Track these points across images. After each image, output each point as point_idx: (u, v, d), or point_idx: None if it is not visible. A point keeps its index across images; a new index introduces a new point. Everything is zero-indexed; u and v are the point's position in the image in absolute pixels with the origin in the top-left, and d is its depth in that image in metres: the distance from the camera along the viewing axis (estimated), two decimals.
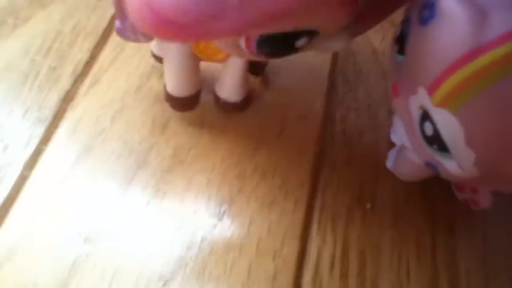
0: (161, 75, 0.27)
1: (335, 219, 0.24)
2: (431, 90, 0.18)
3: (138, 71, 0.28)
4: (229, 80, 0.25)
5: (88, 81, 0.28)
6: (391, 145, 0.26)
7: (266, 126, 0.27)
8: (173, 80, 0.24)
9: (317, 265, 0.22)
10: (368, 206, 0.24)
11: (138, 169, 0.25)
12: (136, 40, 0.22)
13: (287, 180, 0.25)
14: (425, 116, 0.19)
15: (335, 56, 0.30)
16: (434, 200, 0.25)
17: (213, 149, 0.26)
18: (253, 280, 0.22)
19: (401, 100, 0.21)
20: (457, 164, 0.19)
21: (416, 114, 0.19)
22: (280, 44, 0.18)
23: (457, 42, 0.17)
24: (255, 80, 0.28)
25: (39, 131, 0.25)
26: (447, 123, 0.18)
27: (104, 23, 0.30)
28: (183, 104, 0.26)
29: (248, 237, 0.23)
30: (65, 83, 0.27)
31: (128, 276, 0.21)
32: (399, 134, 0.23)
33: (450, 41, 0.17)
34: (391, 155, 0.25)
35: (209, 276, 0.22)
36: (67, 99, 0.27)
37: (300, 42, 0.18)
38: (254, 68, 0.27)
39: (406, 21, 0.20)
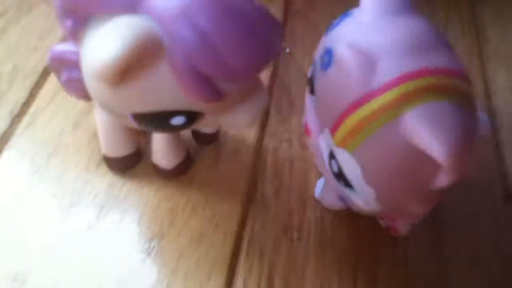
0: None
1: (263, 250, 0.25)
2: (333, 131, 0.19)
3: (76, 109, 0.29)
4: (157, 147, 0.25)
5: (26, 120, 0.28)
6: (320, 174, 0.27)
7: (200, 158, 0.28)
8: (104, 141, 0.25)
9: None
10: (296, 235, 0.25)
11: (72, 206, 0.25)
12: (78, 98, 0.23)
13: (218, 213, 0.26)
14: (331, 155, 0.20)
15: (269, 88, 0.32)
16: (359, 228, 0.26)
17: (147, 182, 0.26)
18: None
19: (313, 138, 0.22)
20: (363, 199, 0.20)
21: (325, 152, 0.21)
22: (154, 121, 0.19)
23: (350, 88, 0.18)
24: None
25: None
26: (348, 163, 0.19)
27: (43, 63, 0.31)
28: (119, 164, 0.26)
29: (176, 271, 0.23)
30: (2, 124, 0.28)
31: None
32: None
33: (344, 87, 0.18)
34: (319, 184, 0.27)
35: None
36: (4, 139, 0.27)
37: (177, 121, 0.19)
38: (199, 138, 0.28)
39: (313, 65, 0.22)
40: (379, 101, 0.17)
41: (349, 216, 0.26)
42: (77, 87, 0.22)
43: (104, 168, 0.27)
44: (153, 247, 0.24)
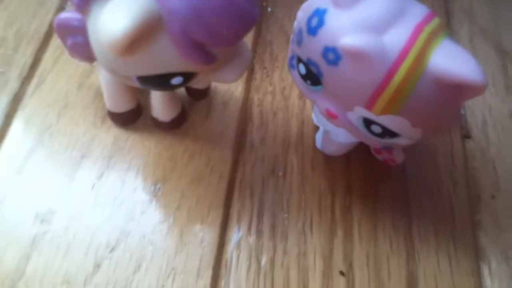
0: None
1: (253, 188, 0.29)
2: (369, 107, 0.21)
3: (78, 71, 0.32)
4: (156, 103, 0.29)
5: (34, 82, 0.31)
6: (301, 122, 0.31)
7: (194, 112, 0.31)
8: (108, 98, 0.29)
9: (238, 226, 0.27)
10: (280, 174, 0.29)
11: (83, 157, 0.29)
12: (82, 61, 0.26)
13: (212, 158, 0.29)
14: (370, 122, 0.22)
15: (254, 45, 0.35)
16: (334, 166, 0.30)
17: (148, 135, 0.30)
18: (185, 242, 0.26)
19: (339, 119, 0.24)
20: (407, 139, 0.23)
21: (357, 123, 0.23)
22: (156, 82, 0.23)
23: (375, 71, 0.20)
24: None
25: None
26: (394, 122, 0.22)
27: (44, 28, 0.33)
28: (122, 118, 0.30)
29: (180, 208, 0.27)
30: (13, 85, 0.31)
31: (80, 247, 0.26)
32: (327, 125, 0.28)
33: (367, 72, 0.20)
34: (318, 138, 0.30)
35: (148, 241, 0.26)
36: (16, 100, 0.30)
37: (176, 81, 0.23)
38: (192, 94, 0.31)
39: (309, 64, 0.23)
40: (406, 65, 0.20)
41: (325, 158, 0.30)
42: (81, 51, 0.25)
43: (108, 123, 0.30)
44: (159, 189, 0.28)
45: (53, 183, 0.28)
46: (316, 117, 0.30)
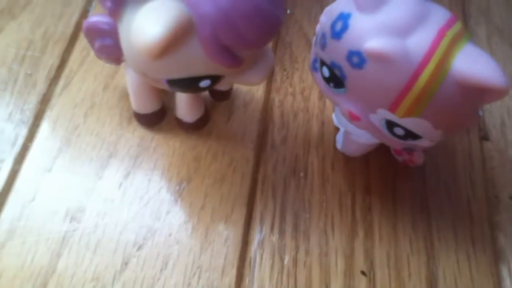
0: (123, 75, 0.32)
1: (275, 188, 0.29)
2: (393, 109, 0.22)
3: (104, 72, 0.33)
4: (181, 103, 0.29)
5: (61, 83, 0.32)
6: (322, 122, 0.32)
7: (216, 114, 0.32)
8: (134, 100, 0.29)
9: (261, 226, 0.28)
10: (302, 174, 0.30)
11: (110, 157, 0.30)
12: (108, 63, 0.27)
13: (235, 159, 0.30)
14: (392, 125, 0.23)
15: (273, 47, 0.35)
16: (354, 167, 0.30)
17: (172, 135, 0.31)
18: (209, 241, 0.27)
19: (362, 121, 0.24)
20: (429, 140, 0.23)
21: (380, 125, 0.24)
22: (185, 85, 0.24)
23: (400, 74, 0.21)
24: None
25: (24, 131, 0.30)
26: (416, 124, 0.22)
27: (70, 30, 0.34)
28: (147, 119, 0.30)
29: (204, 207, 0.28)
30: (41, 87, 0.32)
31: (108, 245, 0.27)
32: (348, 126, 0.28)
33: (392, 75, 0.21)
34: (339, 139, 0.31)
35: (174, 240, 0.27)
36: (45, 101, 0.31)
37: (204, 83, 0.23)
38: (215, 95, 0.32)
39: (332, 67, 0.23)
40: (429, 69, 0.20)
41: (344, 158, 0.31)
42: (109, 53, 0.26)
43: (134, 124, 0.31)
44: (183, 188, 0.29)
45: (81, 182, 0.29)
46: (337, 118, 0.31)
